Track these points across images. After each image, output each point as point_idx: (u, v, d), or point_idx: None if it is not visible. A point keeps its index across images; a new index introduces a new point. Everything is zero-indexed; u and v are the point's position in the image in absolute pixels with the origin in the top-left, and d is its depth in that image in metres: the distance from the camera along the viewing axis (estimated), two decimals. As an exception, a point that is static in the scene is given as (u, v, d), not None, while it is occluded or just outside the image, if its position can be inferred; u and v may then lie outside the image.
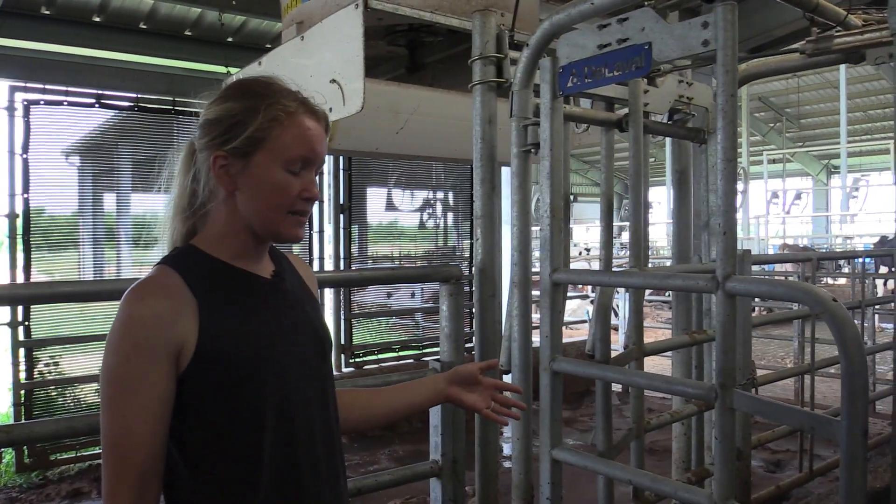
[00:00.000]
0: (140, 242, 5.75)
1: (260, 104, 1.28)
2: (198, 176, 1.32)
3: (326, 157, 1.43)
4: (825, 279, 13.99)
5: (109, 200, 5.95)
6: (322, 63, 2.82)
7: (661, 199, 25.85)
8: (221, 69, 6.80)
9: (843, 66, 16.60)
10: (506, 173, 2.65)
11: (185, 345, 1.21)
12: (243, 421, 1.25)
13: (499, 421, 1.62)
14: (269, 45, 7.78)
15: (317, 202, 1.35)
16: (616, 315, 8.66)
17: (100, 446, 1.21)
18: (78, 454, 5.42)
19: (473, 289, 2.80)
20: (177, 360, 1.21)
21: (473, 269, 2.67)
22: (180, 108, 5.92)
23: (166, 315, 1.20)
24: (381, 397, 1.61)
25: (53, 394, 5.58)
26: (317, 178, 1.36)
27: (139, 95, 5.93)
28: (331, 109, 2.61)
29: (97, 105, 5.62)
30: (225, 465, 1.24)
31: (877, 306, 7.23)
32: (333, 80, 2.69)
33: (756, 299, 6.84)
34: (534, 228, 2.60)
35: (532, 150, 2.49)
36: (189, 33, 7.84)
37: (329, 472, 1.37)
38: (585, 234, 25.49)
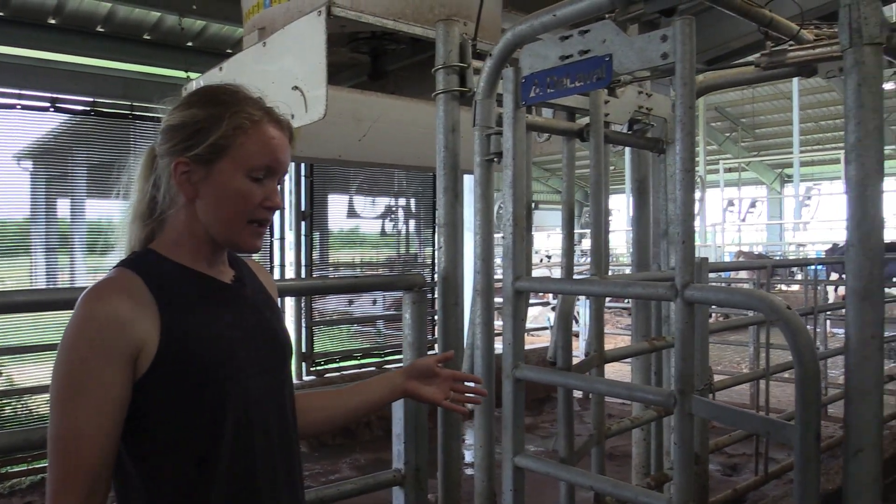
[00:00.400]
0: (95, 249, 5.63)
1: (225, 112, 1.27)
2: (158, 182, 1.30)
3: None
4: (779, 286, 14.30)
5: (63, 206, 5.82)
6: (284, 69, 2.81)
7: (620, 206, 26.17)
8: (181, 74, 6.70)
9: (795, 79, 17.02)
10: (468, 181, 2.66)
11: (145, 347, 1.18)
12: (202, 426, 1.22)
13: (458, 410, 1.60)
14: (230, 51, 7.69)
15: (278, 210, 1.33)
16: (576, 322, 8.73)
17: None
18: (30, 466, 5.26)
19: (436, 297, 2.80)
20: (134, 363, 1.18)
21: (436, 276, 2.67)
22: (138, 113, 5.82)
23: (125, 316, 1.17)
24: (338, 398, 1.59)
25: (3, 405, 5.43)
26: (279, 186, 1.35)
27: (95, 99, 5.82)
28: (293, 116, 2.59)
29: (52, 109, 5.50)
30: (180, 471, 1.22)
31: (829, 312, 7.42)
32: (296, 87, 2.68)
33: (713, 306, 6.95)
34: (496, 236, 2.61)
35: (495, 159, 2.50)
36: (148, 37, 7.70)
37: (287, 478, 1.35)
38: (546, 241, 25.67)
